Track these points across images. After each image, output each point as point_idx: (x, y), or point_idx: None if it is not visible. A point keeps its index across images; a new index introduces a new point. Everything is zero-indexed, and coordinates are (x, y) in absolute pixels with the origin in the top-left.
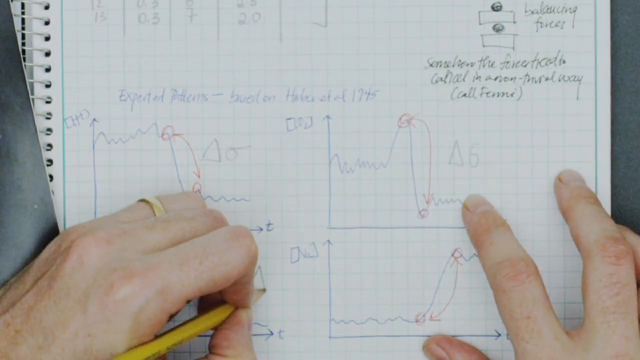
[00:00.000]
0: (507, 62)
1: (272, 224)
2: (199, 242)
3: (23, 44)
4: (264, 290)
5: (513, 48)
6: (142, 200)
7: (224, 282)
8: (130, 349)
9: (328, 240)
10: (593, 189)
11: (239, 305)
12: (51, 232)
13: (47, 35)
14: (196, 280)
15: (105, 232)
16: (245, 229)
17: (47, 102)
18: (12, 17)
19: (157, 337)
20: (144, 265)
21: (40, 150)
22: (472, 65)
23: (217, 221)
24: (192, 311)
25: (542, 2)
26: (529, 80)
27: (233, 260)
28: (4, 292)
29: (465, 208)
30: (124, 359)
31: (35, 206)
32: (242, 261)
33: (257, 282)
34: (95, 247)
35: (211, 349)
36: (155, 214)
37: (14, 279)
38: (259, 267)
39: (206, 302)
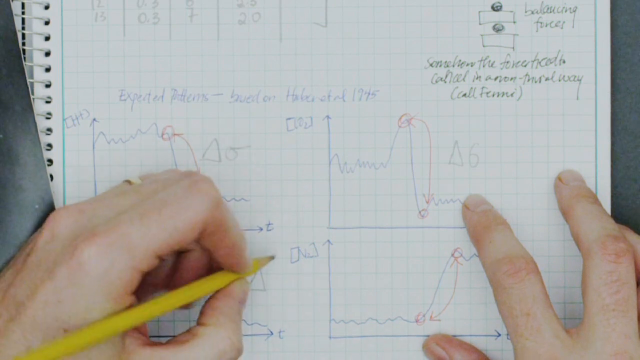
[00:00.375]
0: (507, 62)
1: (272, 224)
2: (158, 196)
3: (23, 44)
4: (271, 257)
5: (513, 48)
6: (126, 181)
7: (189, 230)
8: (110, 315)
9: (328, 240)
10: (593, 189)
11: (235, 269)
12: None
13: (47, 35)
14: (159, 231)
15: (78, 204)
16: (203, 175)
17: (47, 102)
18: (13, 17)
19: (143, 303)
20: (107, 226)
21: (42, 150)
22: (472, 65)
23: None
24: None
25: (542, 2)
26: (529, 80)
27: (193, 206)
28: None
29: (465, 207)
30: (103, 324)
31: (37, 206)
32: (204, 206)
33: (256, 283)
34: (67, 217)
35: (198, 317)
36: None
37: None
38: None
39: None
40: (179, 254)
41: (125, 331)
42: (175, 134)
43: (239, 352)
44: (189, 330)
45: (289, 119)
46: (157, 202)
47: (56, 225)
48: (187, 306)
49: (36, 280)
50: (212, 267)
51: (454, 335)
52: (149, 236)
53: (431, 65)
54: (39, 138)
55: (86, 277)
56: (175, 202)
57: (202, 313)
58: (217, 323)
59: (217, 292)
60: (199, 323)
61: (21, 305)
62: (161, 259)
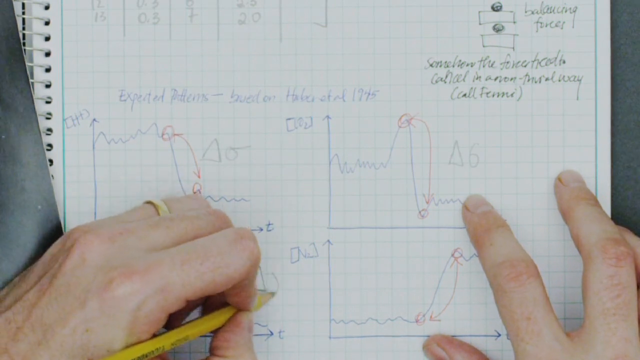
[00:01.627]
0: (507, 62)
1: (272, 224)
2: (201, 243)
3: (23, 44)
4: (273, 293)
5: (513, 48)
6: (148, 202)
7: (225, 284)
8: (128, 346)
9: (328, 240)
10: (593, 189)
11: (241, 307)
12: (55, 233)
13: (47, 35)
14: (196, 280)
15: (108, 230)
16: (248, 231)
17: (47, 102)
18: (15, 18)
19: (155, 336)
20: (145, 263)
21: (44, 150)
22: (472, 65)
23: (221, 221)
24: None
25: (542, 2)
26: (529, 80)
27: (235, 263)
28: (8, 291)
29: (465, 208)
30: (120, 356)
31: (39, 207)
32: (244, 264)
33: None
34: (98, 244)
35: (212, 350)
36: (159, 215)
37: (17, 278)
38: (259, 267)
39: (209, 304)
40: None
41: None
42: (175, 134)
43: None
44: None
45: (289, 119)
46: (200, 251)
47: (87, 251)
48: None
49: (66, 306)
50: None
51: (454, 336)
52: (186, 284)
53: (431, 65)
54: (41, 139)
55: (117, 311)
56: (218, 255)
57: (215, 346)
58: (236, 355)
59: (227, 323)
60: (217, 355)
61: (49, 330)
62: (189, 303)
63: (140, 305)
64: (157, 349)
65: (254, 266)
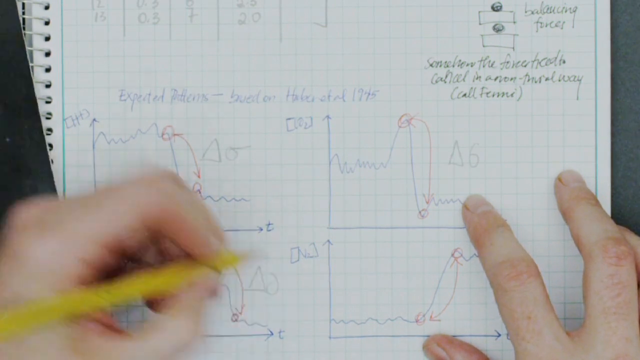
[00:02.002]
0: (507, 62)
1: (272, 224)
2: (104, 187)
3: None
4: (250, 254)
5: (513, 48)
6: None
7: (130, 216)
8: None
9: (328, 240)
10: (593, 189)
11: (202, 261)
12: None
13: (47, 35)
14: (98, 219)
15: (43, 199)
16: (154, 168)
17: (47, 102)
18: (19, 21)
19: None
20: (50, 215)
21: (48, 154)
22: (472, 65)
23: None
24: None
25: (542, 2)
26: (529, 80)
27: (133, 193)
28: None
29: (465, 208)
30: (39, 304)
31: None
32: (142, 192)
33: (257, 283)
34: (25, 210)
35: (148, 303)
36: None
37: None
38: (259, 267)
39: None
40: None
41: (73, 317)
42: (175, 134)
43: (202, 340)
44: (150, 321)
45: (289, 119)
46: (100, 193)
47: (15, 217)
48: (154, 304)
49: None
50: None
51: (454, 336)
52: (89, 224)
53: (431, 65)
54: (45, 142)
55: (22, 261)
56: (119, 189)
57: (164, 304)
58: (178, 312)
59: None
60: (152, 308)
61: None
62: (112, 251)
63: (47, 257)
64: (85, 304)
65: (159, 194)
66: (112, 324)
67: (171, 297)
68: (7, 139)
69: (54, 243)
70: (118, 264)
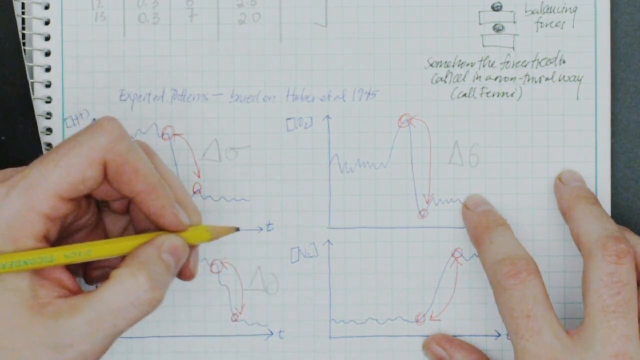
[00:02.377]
0: (507, 62)
1: (272, 224)
2: (61, 141)
3: (23, 44)
4: (233, 228)
5: (513, 48)
6: None
7: (85, 165)
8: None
9: (328, 240)
10: (593, 189)
11: (166, 225)
12: None
13: (47, 35)
14: (54, 169)
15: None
16: (107, 116)
17: (47, 102)
18: (15, 19)
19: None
20: (15, 173)
21: (43, 153)
22: (472, 65)
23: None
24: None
25: (542, 2)
26: (529, 80)
27: (87, 141)
28: None
29: (466, 207)
30: None
31: None
32: (97, 139)
33: (256, 283)
34: None
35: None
36: None
37: None
38: (259, 267)
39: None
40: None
41: (30, 274)
42: (175, 134)
43: (157, 300)
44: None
45: (289, 119)
46: (58, 147)
47: None
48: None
49: None
50: None
51: (454, 335)
52: (45, 175)
53: (431, 65)
54: (40, 140)
55: None
56: (71, 140)
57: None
58: (132, 268)
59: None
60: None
61: None
62: (71, 202)
63: (12, 212)
64: (39, 257)
65: (115, 142)
66: (71, 284)
67: (128, 255)
68: (2, 138)
69: (17, 200)
70: (98, 225)
